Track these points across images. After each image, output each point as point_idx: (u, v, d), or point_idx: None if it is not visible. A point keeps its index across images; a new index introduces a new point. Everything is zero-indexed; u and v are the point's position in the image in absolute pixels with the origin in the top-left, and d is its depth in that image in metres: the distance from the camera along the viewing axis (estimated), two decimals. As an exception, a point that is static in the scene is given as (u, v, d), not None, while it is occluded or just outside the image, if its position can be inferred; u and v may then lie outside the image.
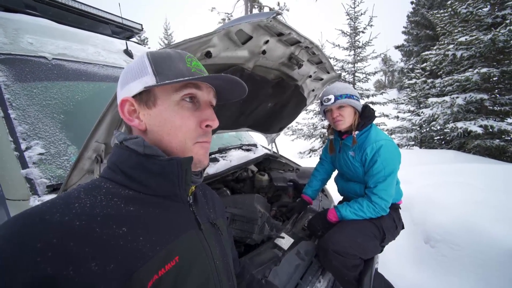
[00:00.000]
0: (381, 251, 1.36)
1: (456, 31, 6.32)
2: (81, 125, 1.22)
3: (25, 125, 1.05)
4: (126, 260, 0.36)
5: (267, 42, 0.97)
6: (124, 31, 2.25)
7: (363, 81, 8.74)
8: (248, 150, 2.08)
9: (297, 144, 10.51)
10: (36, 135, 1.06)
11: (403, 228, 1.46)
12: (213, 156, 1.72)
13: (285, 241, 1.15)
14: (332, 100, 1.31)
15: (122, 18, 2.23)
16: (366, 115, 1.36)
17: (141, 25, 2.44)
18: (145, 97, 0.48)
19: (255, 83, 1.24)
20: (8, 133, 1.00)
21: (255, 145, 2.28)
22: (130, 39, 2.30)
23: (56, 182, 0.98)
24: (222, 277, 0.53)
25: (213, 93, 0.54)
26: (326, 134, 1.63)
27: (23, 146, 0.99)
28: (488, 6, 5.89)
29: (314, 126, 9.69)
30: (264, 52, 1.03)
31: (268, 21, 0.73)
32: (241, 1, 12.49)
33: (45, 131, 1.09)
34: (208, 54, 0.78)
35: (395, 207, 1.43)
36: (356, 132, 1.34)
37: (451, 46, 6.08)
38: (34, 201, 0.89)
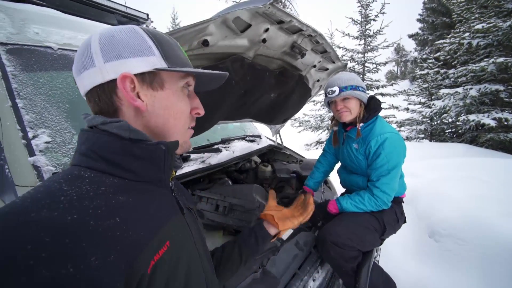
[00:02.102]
0: (381, 244, 1.36)
1: (473, 18, 6.01)
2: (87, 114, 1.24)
3: (32, 114, 1.08)
4: (125, 249, 0.35)
5: (267, 30, 0.95)
6: (130, 20, 2.25)
7: (373, 71, 8.50)
8: (251, 141, 2.08)
9: (304, 136, 10.44)
10: (43, 124, 1.09)
11: (405, 222, 1.44)
12: (216, 146, 1.73)
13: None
14: (337, 92, 1.28)
15: (127, 7, 2.22)
16: (371, 107, 1.32)
17: (147, 14, 2.44)
18: (149, 78, 0.47)
19: (257, 73, 1.23)
20: (16, 122, 1.03)
21: (259, 136, 2.28)
22: (136, 29, 2.30)
23: (61, 170, 1.01)
24: (204, 259, 0.56)
25: (195, 83, 0.58)
26: (330, 125, 1.62)
27: (30, 135, 1.02)
28: (510, -9, 5.55)
29: (322, 117, 9.58)
30: (264, 40, 1.01)
31: (266, 7, 0.71)
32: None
33: (51, 120, 1.12)
34: (205, 43, 0.77)
35: (398, 201, 1.41)
36: (361, 124, 1.32)
37: (467, 34, 5.81)
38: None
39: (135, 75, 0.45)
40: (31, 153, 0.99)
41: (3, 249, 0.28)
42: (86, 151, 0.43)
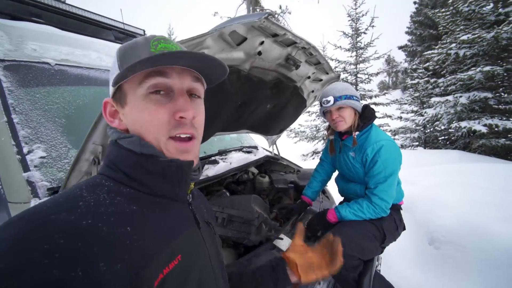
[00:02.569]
0: (381, 252, 1.34)
1: (458, 29, 6.28)
2: (83, 129, 1.24)
3: (27, 129, 1.07)
4: (133, 259, 0.35)
5: (262, 43, 0.98)
6: (127, 36, 2.30)
7: (366, 82, 8.72)
8: (248, 152, 2.08)
9: (300, 147, 10.47)
10: (38, 139, 1.08)
11: (404, 229, 1.44)
12: (213, 158, 1.73)
13: (284, 242, 1.14)
14: (332, 102, 1.30)
15: (124, 24, 2.28)
16: (366, 116, 1.35)
17: (144, 30, 2.49)
18: (118, 96, 0.47)
19: (253, 84, 1.25)
20: (11, 137, 1.02)
21: (255, 147, 2.29)
22: (132, 45, 2.34)
23: (56, 185, 0.99)
24: (218, 275, 0.53)
25: (190, 78, 0.47)
26: (326, 135, 1.66)
27: (25, 150, 1.01)
28: (491, 4, 5.85)
29: (317, 128, 9.67)
30: (260, 53, 1.04)
31: (261, 21, 0.74)
32: (243, 5, 12.61)
33: (47, 135, 1.12)
34: (203, 56, 0.79)
35: (396, 208, 1.42)
36: (357, 133, 1.34)
37: (454, 45, 6.04)
38: (35, 204, 0.91)
39: (114, 97, 0.48)
40: (26, 168, 0.98)
41: (22, 247, 0.29)
42: (108, 162, 0.46)
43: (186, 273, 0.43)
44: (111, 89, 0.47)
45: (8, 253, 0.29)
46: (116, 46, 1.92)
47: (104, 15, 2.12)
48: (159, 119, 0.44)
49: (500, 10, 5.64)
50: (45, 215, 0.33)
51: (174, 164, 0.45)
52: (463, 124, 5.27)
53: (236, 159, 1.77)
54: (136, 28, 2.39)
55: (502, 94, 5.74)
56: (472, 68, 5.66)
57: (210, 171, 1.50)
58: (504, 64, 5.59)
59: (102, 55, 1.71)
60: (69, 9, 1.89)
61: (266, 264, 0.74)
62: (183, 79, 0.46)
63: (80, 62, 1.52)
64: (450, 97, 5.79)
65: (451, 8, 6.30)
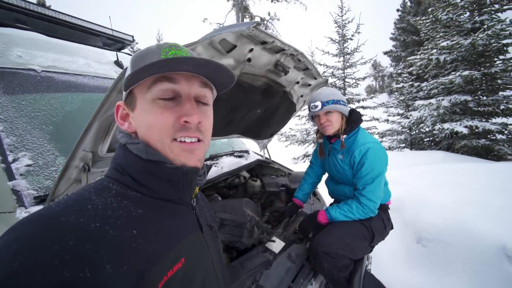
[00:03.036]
0: (371, 251, 1.38)
1: (438, 36, 6.59)
2: (71, 136, 1.22)
3: (12, 137, 1.05)
4: (138, 262, 0.36)
5: (251, 50, 1.01)
6: (116, 42, 2.28)
7: (353, 86, 8.94)
8: (240, 156, 2.09)
9: (291, 150, 10.57)
10: (24, 147, 1.05)
11: (392, 228, 1.48)
12: (204, 163, 1.73)
13: (276, 245, 1.15)
14: (319, 107, 1.34)
15: (112, 30, 2.26)
16: (353, 119, 1.40)
17: (132, 36, 2.47)
18: (129, 100, 0.49)
19: (243, 90, 1.28)
20: (-5, 146, 1.00)
21: (247, 152, 2.30)
22: (122, 51, 2.32)
23: (44, 193, 0.97)
24: (220, 278, 0.54)
25: (198, 84, 0.48)
26: (316, 138, 1.70)
27: (10, 158, 0.99)
28: (467, 13, 6.18)
29: (307, 131, 9.79)
30: (249, 60, 1.07)
31: (250, 30, 0.77)
32: (232, 11, 12.76)
33: (33, 143, 1.09)
34: (193, 63, 0.81)
35: (384, 208, 1.46)
36: (344, 136, 1.38)
37: (434, 50, 6.32)
38: (21, 213, 0.89)
39: (125, 101, 0.49)
40: (11, 177, 0.96)
41: (34, 247, 0.30)
42: (116, 166, 0.47)
43: (189, 276, 0.44)
44: (124, 93, 0.49)
45: (20, 253, 0.30)
46: (104, 52, 1.90)
47: (93, 21, 2.10)
48: (164, 122, 0.45)
49: (476, 18, 5.97)
50: (55, 217, 0.34)
51: (180, 171, 0.46)
52: (446, 125, 5.49)
53: (228, 164, 1.78)
54: (125, 34, 2.37)
55: (481, 97, 6.03)
56: (452, 73, 5.93)
57: (202, 176, 1.50)
58: (482, 68, 5.90)
59: (90, 61, 1.69)
60: (56, 15, 1.86)
61: None
62: (191, 84, 0.47)
63: (67, 68, 1.50)
64: (433, 100, 6.03)
65: (431, 16, 6.62)
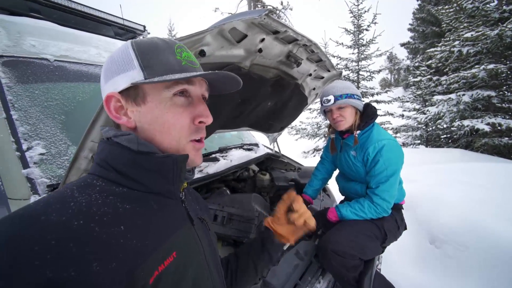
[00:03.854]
0: (382, 252, 1.34)
1: (462, 27, 6.21)
2: (82, 125, 1.23)
3: (26, 126, 1.07)
4: (127, 258, 0.36)
5: (263, 40, 0.97)
6: (127, 32, 2.28)
7: (367, 79, 8.66)
8: (249, 149, 2.07)
9: (301, 144, 10.46)
10: (37, 136, 1.07)
11: (405, 229, 1.43)
12: (213, 155, 1.72)
13: (284, 241, 1.14)
14: (332, 101, 1.29)
15: (123, 19, 2.25)
16: (368, 114, 1.34)
17: (144, 26, 2.47)
18: (133, 93, 0.46)
19: (253, 82, 1.24)
20: (10, 134, 1.02)
21: (256, 145, 2.28)
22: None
23: (56, 182, 0.99)
24: (213, 271, 0.54)
25: (205, 86, 0.53)
26: (327, 133, 1.65)
27: (24, 147, 1.01)
28: (495, 1, 5.76)
29: (318, 125, 9.64)
30: (260, 50, 1.02)
31: (261, 18, 0.73)
32: (244, 1, 12.50)
33: (46, 132, 1.11)
34: (202, 53, 0.78)
35: (397, 208, 1.41)
36: (358, 132, 1.32)
37: (457, 42, 5.98)
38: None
39: (121, 92, 0.46)
40: (25, 165, 0.98)
41: (12, 248, 0.29)
42: (100, 161, 0.46)
43: (181, 270, 0.44)
44: (121, 84, 0.46)
45: None
46: (115, 42, 1.90)
47: (104, 10, 2.10)
48: (182, 121, 0.47)
49: (504, 7, 5.55)
50: (35, 216, 0.33)
51: (170, 159, 0.46)
52: (466, 122, 5.24)
53: (237, 157, 1.76)
54: (136, 23, 2.37)
55: (506, 92, 5.69)
56: (476, 66, 5.60)
57: (211, 168, 1.50)
58: (508, 62, 5.54)
59: (102, 51, 1.69)
60: (69, 4, 1.86)
61: (256, 240, 0.80)
62: (201, 87, 0.51)
63: (79, 58, 1.51)
64: (453, 95, 5.75)
65: (455, 5, 6.22)
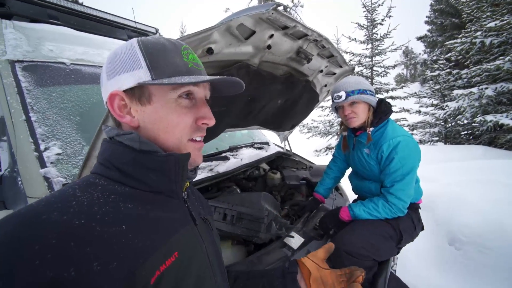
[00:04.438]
0: (398, 253, 1.29)
1: (484, 16, 5.86)
2: (96, 126, 1.27)
3: (44, 127, 1.11)
4: (128, 258, 0.35)
5: (271, 36, 0.95)
6: (140, 35, 2.33)
7: (382, 75, 8.38)
8: (260, 148, 2.06)
9: (313, 142, 10.31)
10: (54, 136, 1.11)
11: (422, 229, 1.37)
12: (224, 154, 1.73)
13: (295, 240, 1.12)
14: (344, 97, 1.25)
15: (136, 22, 2.31)
16: (382, 110, 1.28)
17: (156, 28, 2.52)
18: (137, 92, 0.46)
19: (263, 79, 1.22)
20: (29, 135, 1.06)
21: (267, 143, 2.26)
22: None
23: (71, 181, 1.02)
24: (216, 272, 0.53)
25: (208, 87, 0.54)
26: (339, 130, 1.60)
27: (42, 147, 1.05)
28: (522, -12, 5.40)
29: (331, 123, 9.47)
30: (269, 47, 1.00)
31: (269, 13, 0.71)
32: (255, 0, 12.46)
33: (62, 133, 1.15)
34: (210, 51, 0.78)
35: (414, 207, 1.35)
36: (371, 129, 1.28)
37: (479, 33, 5.65)
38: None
39: (125, 91, 0.46)
40: (43, 165, 1.02)
41: (13, 248, 0.29)
42: (102, 161, 0.46)
43: (183, 270, 0.43)
44: (126, 82, 0.46)
45: None
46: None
47: (117, 14, 2.16)
48: (185, 121, 0.48)
49: (533, -7, 5.19)
50: (36, 215, 0.33)
51: (172, 157, 0.46)
52: (489, 117, 4.93)
53: (247, 155, 1.75)
54: (149, 26, 2.42)
55: (534, 85, 5.31)
56: (500, 58, 5.25)
57: (221, 167, 1.50)
58: (536, 52, 5.17)
59: (115, 54, 1.74)
60: (85, 10, 1.93)
61: (277, 268, 0.70)
62: (205, 88, 0.52)
63: (94, 61, 1.56)
64: (474, 89, 5.43)
65: (477, -7, 5.89)
